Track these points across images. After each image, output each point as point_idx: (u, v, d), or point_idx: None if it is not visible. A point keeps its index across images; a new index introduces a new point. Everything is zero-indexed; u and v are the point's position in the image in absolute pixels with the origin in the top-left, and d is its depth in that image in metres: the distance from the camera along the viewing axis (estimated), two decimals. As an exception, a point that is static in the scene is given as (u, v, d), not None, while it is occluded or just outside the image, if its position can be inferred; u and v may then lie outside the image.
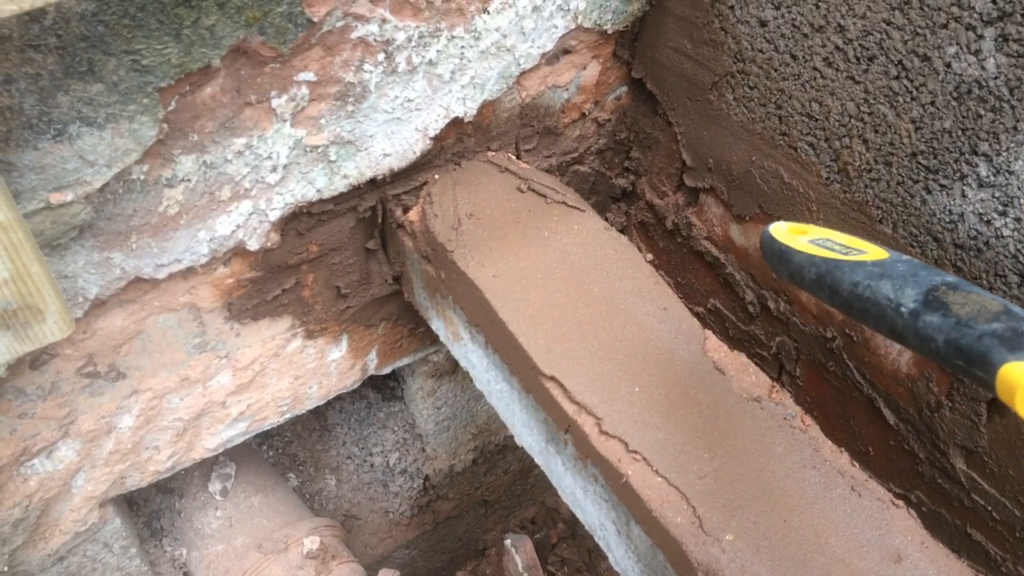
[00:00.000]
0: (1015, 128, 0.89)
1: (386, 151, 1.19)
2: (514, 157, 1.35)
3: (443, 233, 1.18)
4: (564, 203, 1.24)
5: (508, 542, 1.83)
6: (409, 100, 1.16)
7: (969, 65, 0.91)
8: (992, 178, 0.93)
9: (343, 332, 1.40)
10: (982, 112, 0.92)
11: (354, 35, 1.04)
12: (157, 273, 1.08)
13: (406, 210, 1.27)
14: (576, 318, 1.09)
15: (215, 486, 1.60)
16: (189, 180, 1.02)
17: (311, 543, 1.53)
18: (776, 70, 1.14)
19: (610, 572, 2.10)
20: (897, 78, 0.99)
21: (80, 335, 1.08)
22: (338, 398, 1.73)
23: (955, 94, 0.94)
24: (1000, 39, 0.88)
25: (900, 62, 0.98)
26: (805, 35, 1.08)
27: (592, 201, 1.55)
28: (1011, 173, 0.92)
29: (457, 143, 1.29)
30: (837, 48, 1.05)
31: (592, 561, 2.16)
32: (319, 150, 1.12)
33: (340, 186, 1.18)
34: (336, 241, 1.26)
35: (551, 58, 1.30)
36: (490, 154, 1.33)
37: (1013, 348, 0.55)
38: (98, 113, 0.89)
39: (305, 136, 1.09)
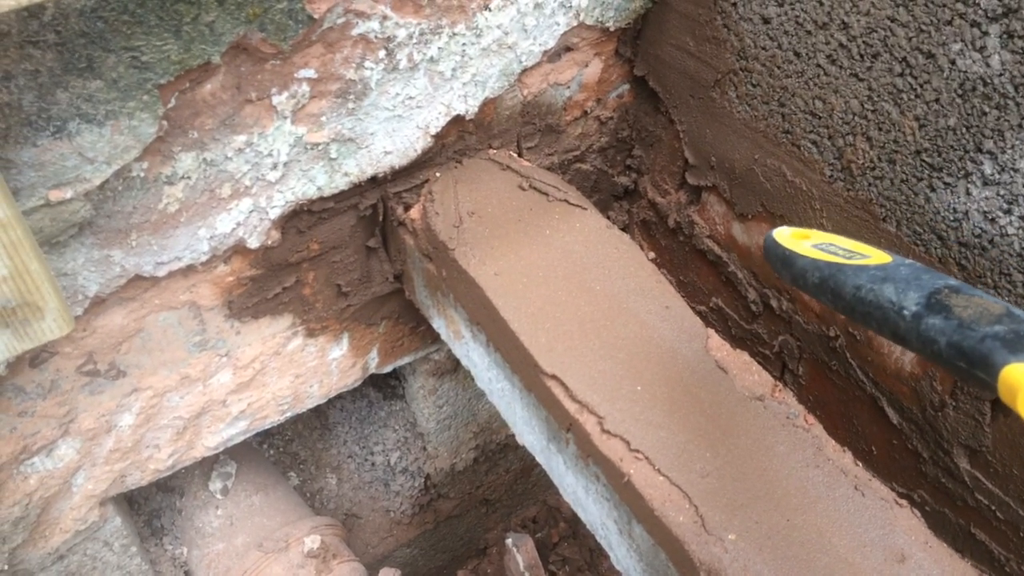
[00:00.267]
0: (1020, 125, 0.89)
1: (387, 149, 1.19)
2: (516, 155, 1.35)
3: (444, 231, 1.18)
4: (566, 201, 1.24)
5: (509, 541, 1.83)
6: (410, 97, 1.15)
7: (974, 62, 0.91)
8: (997, 176, 0.93)
9: (344, 330, 1.40)
10: (987, 109, 0.91)
11: (355, 32, 1.04)
12: (157, 271, 1.08)
13: (407, 208, 1.27)
14: (578, 316, 1.08)
15: (216, 485, 1.60)
16: (189, 177, 1.02)
17: (312, 542, 1.52)
18: (779, 67, 1.14)
19: (612, 571, 2.10)
20: (901, 75, 0.99)
21: (80, 333, 1.08)
22: (339, 397, 1.72)
23: (959, 91, 0.93)
24: (1005, 36, 0.87)
25: (904, 59, 0.98)
26: (808, 32, 1.07)
27: (594, 199, 1.54)
28: (1016, 171, 0.91)
29: (458, 141, 1.28)
30: (841, 45, 1.04)
31: (594, 560, 2.15)
32: (320, 148, 1.11)
33: (341, 184, 1.18)
34: (337, 239, 1.26)
35: (553, 55, 1.29)
36: (492, 152, 1.33)
37: (1015, 350, 0.55)
38: (97, 110, 0.89)
39: (306, 133, 1.09)
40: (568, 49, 1.30)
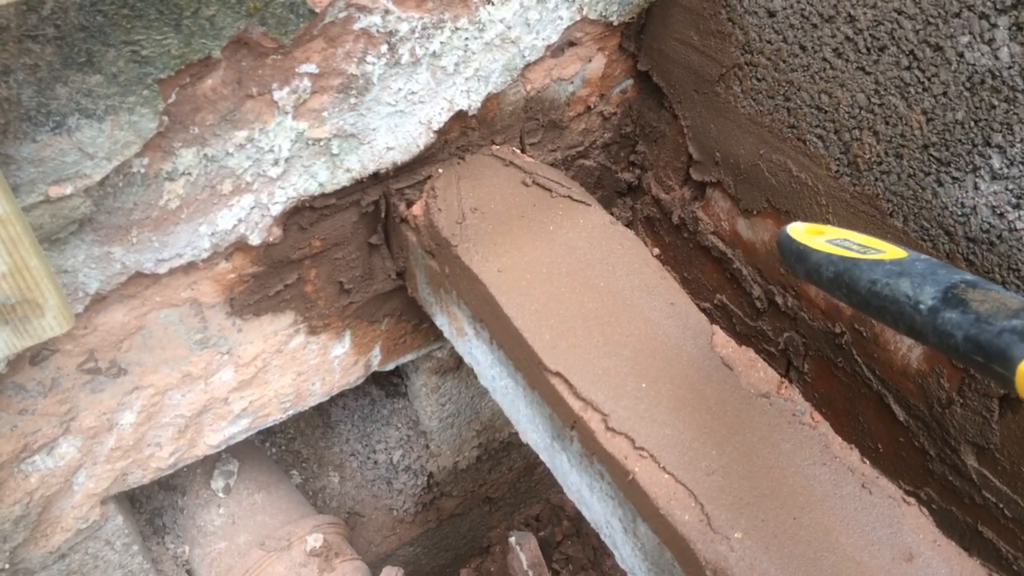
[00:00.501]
0: (1029, 119, 0.88)
1: (389, 144, 1.18)
2: (519, 151, 1.34)
3: (447, 227, 1.17)
4: (569, 197, 1.23)
5: (513, 539, 1.82)
6: (412, 93, 1.15)
7: (982, 55, 0.90)
8: (1006, 170, 0.92)
9: (346, 328, 1.39)
10: (995, 103, 0.90)
11: (356, 26, 1.03)
12: (158, 268, 1.07)
13: (410, 204, 1.26)
14: (582, 313, 1.07)
15: (218, 483, 1.59)
16: (190, 173, 1.01)
17: (314, 541, 1.52)
18: (785, 61, 1.13)
19: (615, 569, 2.09)
20: (908, 68, 0.98)
21: (80, 330, 1.07)
22: (341, 395, 1.72)
23: (968, 84, 0.92)
24: (1014, 28, 0.86)
25: (911, 52, 0.97)
26: (814, 25, 1.06)
27: (597, 196, 1.53)
28: (1025, 165, 0.90)
29: (461, 136, 1.28)
30: (847, 38, 1.03)
31: (597, 559, 2.14)
32: (321, 143, 1.10)
33: (343, 180, 1.17)
34: (339, 236, 1.25)
35: (556, 50, 1.28)
36: (494, 148, 1.32)
37: None
38: (97, 105, 0.88)
39: (307, 129, 1.08)
40: (571, 44, 1.29)
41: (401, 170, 1.23)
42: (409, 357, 1.58)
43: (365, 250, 1.31)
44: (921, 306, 0.62)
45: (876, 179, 1.06)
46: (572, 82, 1.35)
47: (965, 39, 0.91)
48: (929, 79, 0.96)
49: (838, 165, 1.11)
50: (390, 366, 1.55)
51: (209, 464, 1.61)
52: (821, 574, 0.83)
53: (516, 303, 1.08)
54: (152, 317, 1.13)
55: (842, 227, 1.12)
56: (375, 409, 1.95)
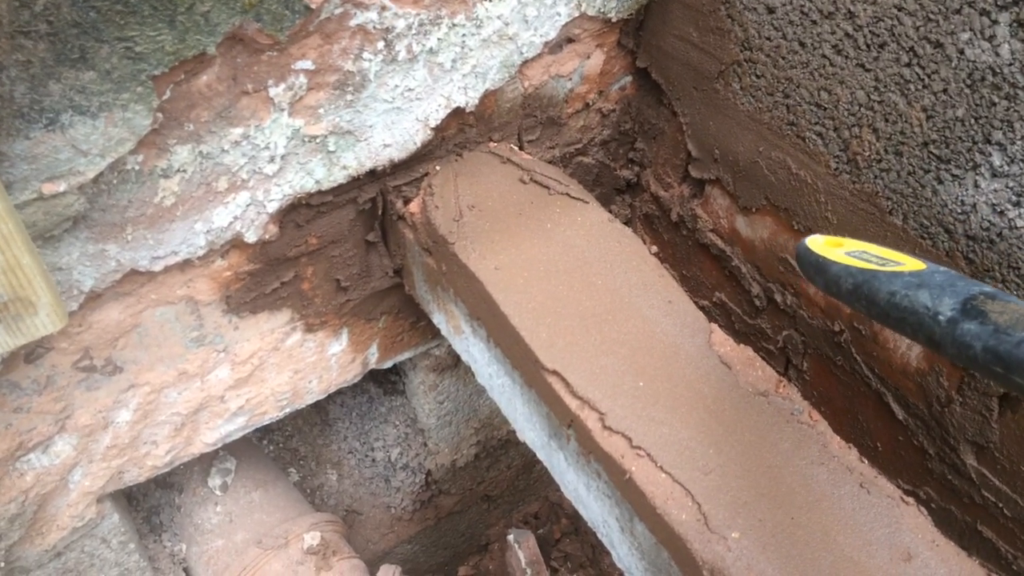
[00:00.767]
0: (1030, 116, 0.87)
1: (386, 141, 1.17)
2: (517, 148, 1.33)
3: (444, 225, 1.16)
4: (567, 194, 1.22)
5: (511, 537, 1.82)
6: (409, 89, 1.14)
7: (983, 51, 0.89)
8: (1006, 168, 0.91)
9: (343, 326, 1.38)
10: (996, 100, 0.89)
11: (353, 22, 1.02)
12: (153, 265, 1.06)
13: (407, 202, 1.25)
14: (579, 311, 1.07)
15: (215, 481, 1.59)
16: (185, 170, 1.00)
17: (312, 538, 1.51)
18: (784, 58, 1.12)
19: (614, 568, 2.09)
20: (908, 65, 0.97)
21: (75, 328, 1.07)
22: (339, 392, 1.71)
23: (968, 81, 0.92)
24: (1015, 24, 0.85)
25: (912, 49, 0.96)
26: (814, 22, 1.06)
27: (596, 193, 1.53)
28: (1025, 162, 0.89)
29: (458, 134, 1.27)
30: (847, 35, 1.02)
31: (595, 557, 2.14)
32: (318, 140, 1.10)
33: (339, 177, 1.16)
34: (336, 233, 1.24)
35: (554, 47, 1.27)
36: (492, 145, 1.31)
37: None
38: (91, 101, 0.87)
39: (303, 126, 1.07)
40: (570, 40, 1.29)
41: (398, 167, 1.23)
42: (407, 355, 1.57)
43: (362, 248, 1.30)
44: (940, 317, 0.62)
45: (875, 177, 1.06)
46: (570, 79, 1.35)
47: (966, 36, 0.90)
48: (929, 76, 0.95)
49: (837, 162, 1.10)
50: (388, 364, 1.55)
51: (206, 462, 1.61)
52: (819, 574, 0.83)
53: (513, 301, 1.07)
54: (148, 315, 1.12)
55: (841, 225, 1.12)
56: (373, 407, 1.95)
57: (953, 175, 0.97)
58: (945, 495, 1.13)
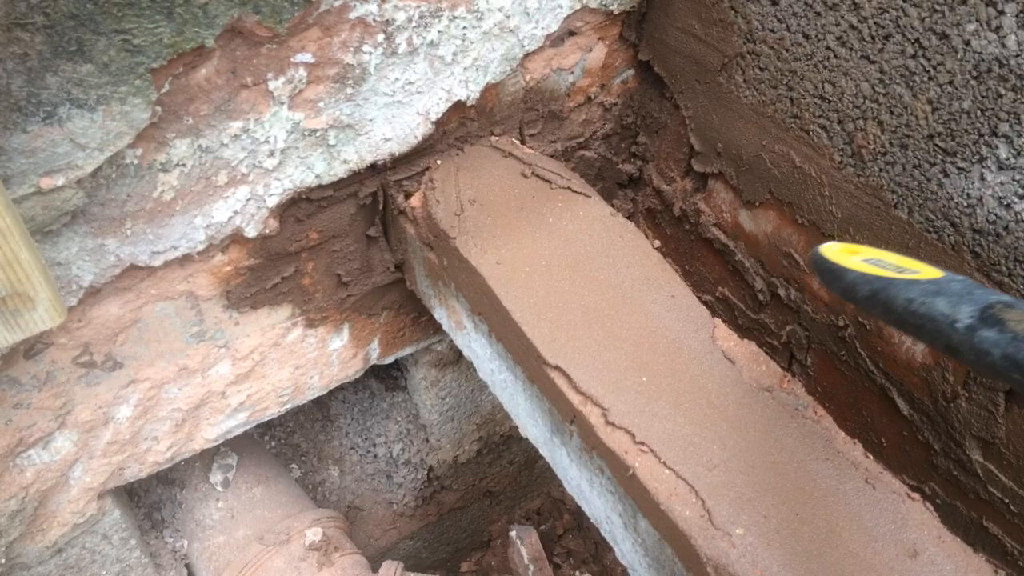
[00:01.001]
0: (1037, 108, 0.86)
1: (387, 135, 1.16)
2: (518, 142, 1.32)
3: (445, 219, 1.15)
4: (569, 188, 1.21)
5: (513, 533, 1.81)
6: (410, 83, 1.13)
7: (989, 43, 0.88)
8: (1013, 160, 0.90)
9: (344, 321, 1.38)
10: (1003, 91, 0.88)
11: (353, 15, 1.01)
12: (153, 260, 1.06)
13: (408, 196, 1.24)
14: (581, 306, 1.06)
15: (216, 477, 1.58)
16: (184, 165, 1.00)
17: (313, 535, 1.51)
18: (788, 50, 1.11)
19: (617, 564, 2.08)
20: (914, 57, 0.96)
21: (75, 324, 1.06)
22: (340, 388, 1.71)
23: (974, 73, 0.91)
24: (1022, 15, 0.84)
25: (917, 40, 0.95)
26: (818, 13, 1.05)
27: (598, 187, 1.52)
28: (1033, 155, 0.88)
29: (460, 127, 1.26)
30: (851, 27, 1.01)
31: (598, 552, 2.14)
32: (318, 134, 1.09)
33: (340, 171, 1.15)
34: (336, 228, 1.24)
35: (556, 40, 1.26)
36: (493, 139, 1.31)
37: None
38: (89, 95, 0.86)
39: (303, 119, 1.06)
40: (571, 33, 1.28)
41: (399, 161, 1.22)
42: (408, 350, 1.57)
43: (363, 242, 1.29)
44: (958, 324, 0.63)
45: (880, 170, 1.05)
46: (572, 72, 1.34)
47: (972, 27, 0.89)
48: (935, 68, 0.94)
49: (842, 156, 1.09)
50: (389, 359, 1.54)
51: (208, 458, 1.60)
52: (824, 571, 0.82)
53: (515, 296, 1.06)
54: (147, 310, 1.12)
55: (845, 219, 1.11)
56: (374, 402, 1.94)
57: (959, 168, 0.96)
58: (950, 491, 1.12)
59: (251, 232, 1.12)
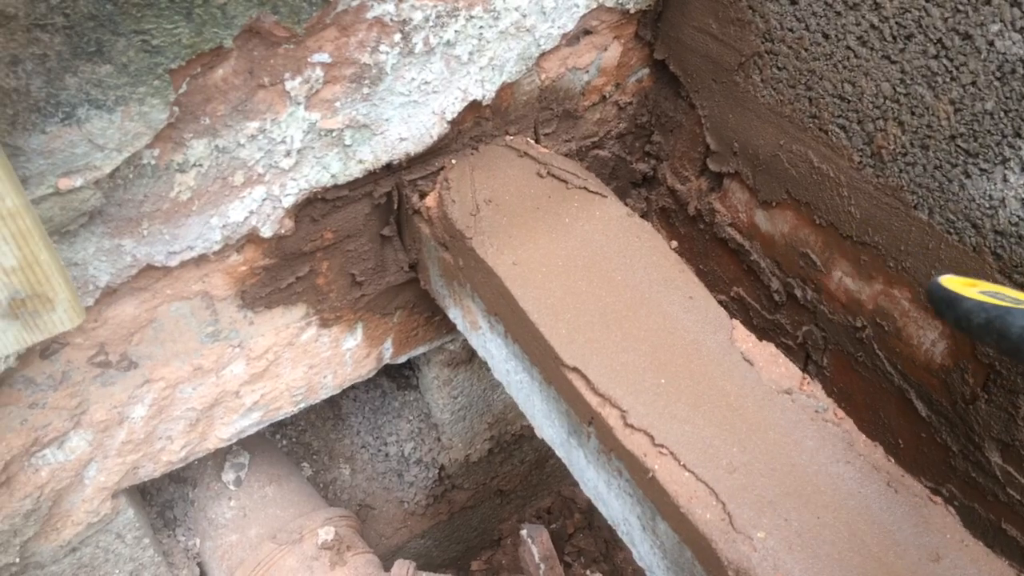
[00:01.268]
0: (1062, 109, 0.86)
1: (402, 135, 1.16)
2: (533, 141, 1.32)
3: (461, 219, 1.15)
4: (585, 188, 1.21)
5: (524, 532, 1.81)
6: (426, 82, 1.13)
7: (1013, 43, 0.87)
8: (1037, 161, 0.89)
9: (358, 321, 1.37)
10: (1027, 92, 0.88)
11: (370, 15, 1.01)
12: (169, 261, 1.06)
13: (423, 196, 1.24)
14: (599, 307, 1.06)
15: (229, 476, 1.58)
16: (201, 165, 0.99)
17: (326, 533, 1.51)
18: (807, 50, 1.10)
19: (627, 563, 2.08)
20: (936, 57, 0.95)
21: (91, 324, 1.06)
22: (352, 387, 1.71)
23: (998, 74, 0.90)
24: (1048, 15, 0.84)
25: (939, 40, 0.94)
26: (838, 13, 1.04)
27: (612, 187, 1.51)
28: (1057, 156, 0.88)
29: (475, 127, 1.26)
30: (872, 26, 1.00)
31: (609, 552, 2.13)
32: (334, 134, 1.09)
33: (355, 171, 1.15)
34: (351, 228, 1.23)
35: (572, 39, 1.26)
36: (508, 138, 1.30)
37: None
38: (107, 95, 0.86)
39: (320, 120, 1.06)
40: (587, 32, 1.27)
41: (414, 161, 1.21)
42: (421, 350, 1.57)
43: (377, 242, 1.29)
44: None
45: (901, 170, 1.04)
46: (587, 71, 1.33)
47: (996, 27, 0.88)
48: (958, 68, 0.93)
49: (861, 156, 1.09)
50: (402, 359, 1.54)
51: (220, 457, 1.60)
52: (846, 575, 0.82)
53: (532, 297, 1.06)
54: (163, 310, 1.12)
55: (864, 219, 1.10)
56: (386, 401, 1.94)
57: (981, 169, 0.95)
58: (969, 493, 1.11)
59: (267, 232, 1.12)
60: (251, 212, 1.09)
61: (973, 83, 0.92)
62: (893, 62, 1.00)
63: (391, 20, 1.03)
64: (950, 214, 1.00)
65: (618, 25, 1.30)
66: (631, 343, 1.02)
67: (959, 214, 0.99)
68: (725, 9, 1.21)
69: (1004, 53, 0.88)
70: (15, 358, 1.01)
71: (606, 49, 1.32)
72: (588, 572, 2.08)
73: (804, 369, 1.31)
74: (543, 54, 1.23)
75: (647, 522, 0.95)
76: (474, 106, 1.21)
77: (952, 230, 1.01)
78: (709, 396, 0.97)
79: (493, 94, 1.22)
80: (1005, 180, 0.93)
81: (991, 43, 0.89)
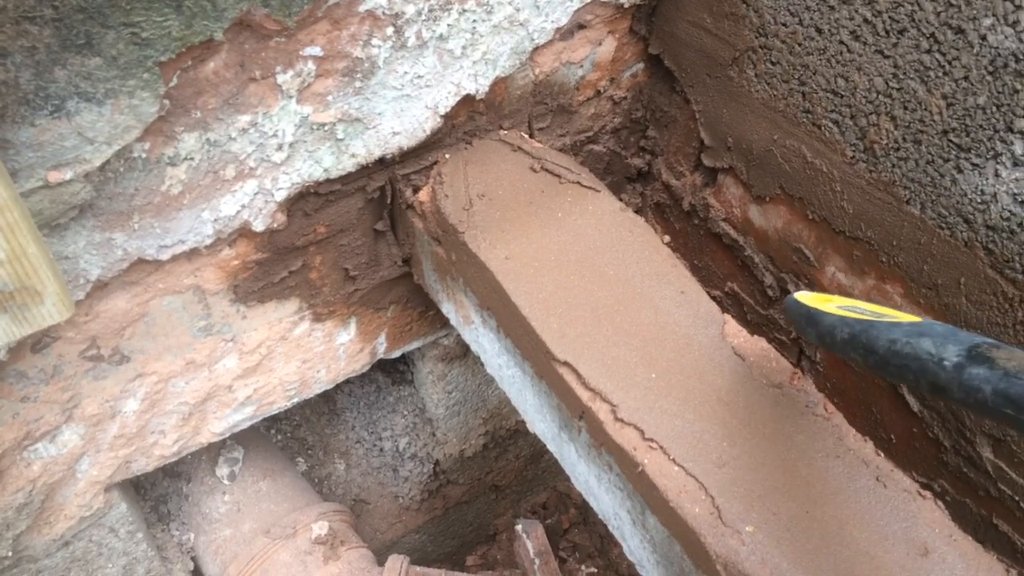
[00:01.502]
0: (1054, 104, 0.85)
1: (395, 129, 1.16)
2: (527, 136, 1.32)
3: (454, 214, 1.15)
4: (579, 183, 1.21)
5: (519, 527, 1.81)
6: (419, 76, 1.12)
7: (1006, 37, 0.87)
8: (1028, 156, 0.89)
9: (351, 315, 1.37)
10: (1019, 87, 0.87)
11: (362, 8, 1.00)
12: (160, 254, 1.05)
13: (416, 190, 1.24)
14: (591, 302, 1.06)
15: (223, 470, 1.58)
16: (192, 158, 0.99)
17: (320, 528, 1.51)
18: (800, 44, 1.10)
19: (622, 558, 2.08)
20: (929, 52, 0.95)
21: (82, 317, 1.06)
22: (347, 382, 1.71)
23: (990, 68, 0.90)
24: (1040, 9, 0.83)
25: (932, 35, 0.94)
26: (831, 7, 1.04)
27: (606, 181, 1.51)
28: (1048, 151, 0.87)
29: (468, 121, 1.25)
30: (865, 20, 1.00)
31: (604, 547, 2.14)
32: (326, 128, 1.08)
33: (348, 165, 1.15)
34: (344, 222, 1.23)
35: (565, 33, 1.26)
36: (502, 133, 1.30)
37: None
38: (97, 88, 0.86)
39: (312, 113, 1.06)
40: (581, 26, 1.27)
41: (407, 155, 1.21)
42: (415, 344, 1.57)
43: (370, 236, 1.29)
44: (945, 363, 0.63)
45: (893, 165, 1.04)
46: (582, 66, 1.33)
47: (988, 21, 0.88)
48: (950, 63, 0.93)
49: (854, 151, 1.08)
50: (396, 353, 1.54)
51: (214, 451, 1.60)
52: (834, 569, 0.82)
53: (524, 291, 1.06)
54: (155, 304, 1.11)
55: (857, 214, 1.10)
56: (381, 396, 1.94)
57: (973, 164, 0.95)
58: (960, 488, 1.12)
59: (259, 226, 1.12)
60: (243, 206, 1.08)
61: (965, 78, 0.92)
62: (886, 57, 1.00)
63: (383, 13, 1.03)
64: (942, 209, 1.00)
65: (612, 19, 1.30)
66: (622, 337, 1.02)
67: (951, 209, 0.99)
68: (719, 3, 1.20)
69: (996, 47, 0.88)
70: (5, 352, 1.01)
71: (600, 44, 1.32)
72: (583, 567, 2.09)
73: (797, 364, 1.31)
74: (537, 48, 1.23)
75: (637, 516, 0.95)
76: (467, 100, 1.21)
77: (944, 225, 1.01)
78: (700, 390, 0.97)
79: (487, 88, 1.21)
80: (997, 175, 0.93)
81: (983, 37, 0.89)
